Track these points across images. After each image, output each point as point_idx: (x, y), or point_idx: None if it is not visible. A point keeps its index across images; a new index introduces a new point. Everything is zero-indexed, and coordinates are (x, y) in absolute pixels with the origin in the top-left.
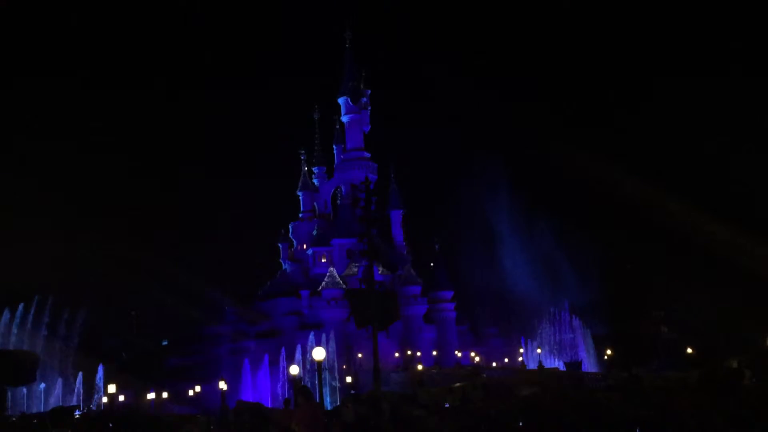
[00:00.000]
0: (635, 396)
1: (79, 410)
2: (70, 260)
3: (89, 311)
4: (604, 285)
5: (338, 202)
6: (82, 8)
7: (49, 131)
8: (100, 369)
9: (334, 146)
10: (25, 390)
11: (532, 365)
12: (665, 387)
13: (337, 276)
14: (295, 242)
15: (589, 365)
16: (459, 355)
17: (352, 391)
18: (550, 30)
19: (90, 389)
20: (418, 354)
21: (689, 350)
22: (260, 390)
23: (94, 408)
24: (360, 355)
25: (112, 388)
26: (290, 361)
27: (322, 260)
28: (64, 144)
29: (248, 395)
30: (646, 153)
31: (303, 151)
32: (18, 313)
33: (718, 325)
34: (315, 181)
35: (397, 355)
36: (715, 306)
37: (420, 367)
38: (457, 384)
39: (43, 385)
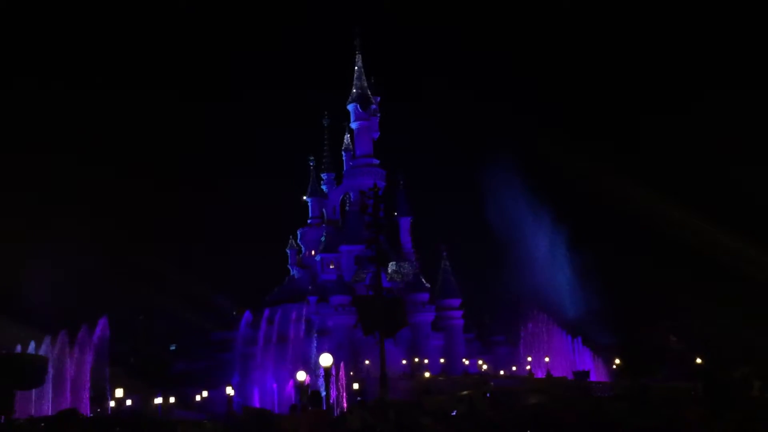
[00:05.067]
0: (642, 406)
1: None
2: (79, 266)
3: (108, 317)
4: (612, 294)
5: (347, 208)
6: (87, 10)
7: (51, 135)
8: (107, 373)
9: (343, 153)
10: (33, 393)
11: (540, 374)
12: (672, 397)
13: (344, 282)
14: (303, 248)
15: (597, 375)
16: (466, 363)
17: (359, 398)
18: (561, 34)
19: (98, 394)
20: (425, 361)
21: (698, 360)
22: (267, 396)
23: (100, 411)
24: (367, 362)
25: (119, 393)
26: (297, 367)
27: (330, 266)
28: (68, 149)
29: (255, 401)
30: (652, 163)
31: (312, 158)
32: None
33: (726, 335)
34: (324, 187)
35: (404, 362)
36: (724, 315)
37: (427, 374)
38: (464, 392)
39: (51, 389)
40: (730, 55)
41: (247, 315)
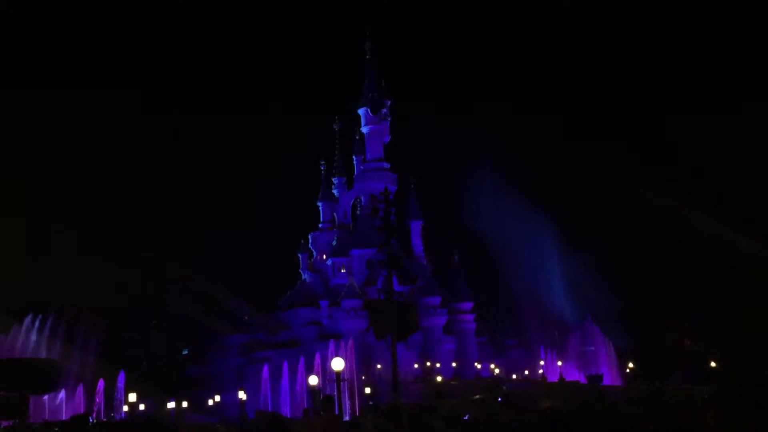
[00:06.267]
0: (658, 410)
1: (92, 418)
2: (93, 269)
3: (110, 319)
4: (627, 297)
5: (358, 212)
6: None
7: (71, 140)
8: (121, 378)
9: (354, 157)
10: (47, 398)
11: (553, 378)
12: (688, 401)
13: (356, 286)
14: (314, 252)
15: (611, 378)
16: (478, 366)
17: (371, 402)
18: (576, 38)
19: (111, 398)
20: (438, 365)
21: (713, 363)
22: (279, 400)
23: (114, 415)
24: (379, 366)
25: (132, 397)
26: (309, 371)
27: (342, 270)
28: (85, 154)
29: (267, 405)
30: (668, 165)
31: (323, 162)
32: (37, 323)
33: (742, 339)
34: (335, 191)
35: (416, 366)
36: (740, 319)
37: (439, 378)
38: (477, 396)
39: (64, 394)
40: (733, 58)
41: (260, 319)
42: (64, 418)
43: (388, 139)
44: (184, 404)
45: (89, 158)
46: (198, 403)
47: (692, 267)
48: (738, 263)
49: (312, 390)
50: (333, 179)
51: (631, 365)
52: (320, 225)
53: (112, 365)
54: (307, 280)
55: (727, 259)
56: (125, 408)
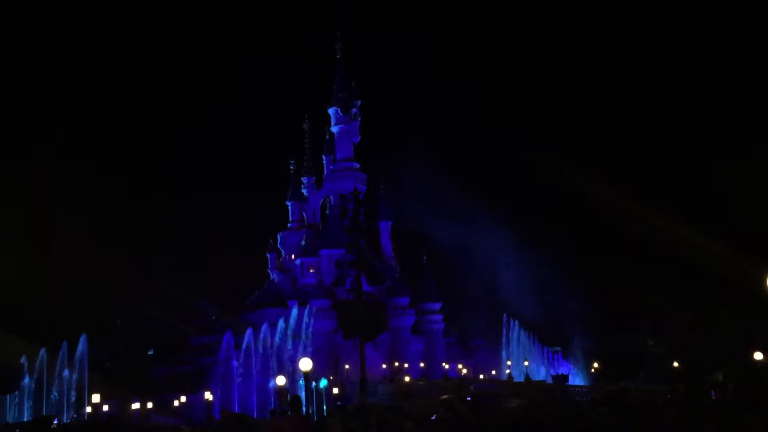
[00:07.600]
0: (622, 409)
1: (57, 419)
2: (57, 269)
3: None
4: (592, 298)
5: (327, 212)
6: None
7: (36, 138)
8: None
9: (323, 156)
10: (8, 399)
11: (519, 378)
12: (651, 401)
13: (325, 286)
14: (283, 252)
15: (577, 378)
16: (446, 367)
17: (339, 403)
18: (544, 43)
19: (74, 399)
20: (406, 365)
21: (675, 364)
22: (247, 401)
23: (76, 417)
24: (347, 367)
25: (96, 398)
26: (277, 371)
27: (310, 270)
28: (50, 153)
29: (234, 406)
30: (635, 169)
31: (292, 161)
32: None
33: (704, 339)
34: (304, 191)
35: (384, 366)
36: (702, 320)
37: (407, 378)
38: (445, 396)
39: (26, 395)
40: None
41: (227, 319)
42: (25, 420)
43: (357, 139)
44: (150, 405)
45: (51, 158)
46: (164, 404)
47: (655, 268)
48: (700, 264)
49: (279, 390)
50: (302, 179)
51: (596, 365)
52: (289, 225)
53: (76, 365)
54: (276, 280)
55: (689, 260)
56: (88, 409)
